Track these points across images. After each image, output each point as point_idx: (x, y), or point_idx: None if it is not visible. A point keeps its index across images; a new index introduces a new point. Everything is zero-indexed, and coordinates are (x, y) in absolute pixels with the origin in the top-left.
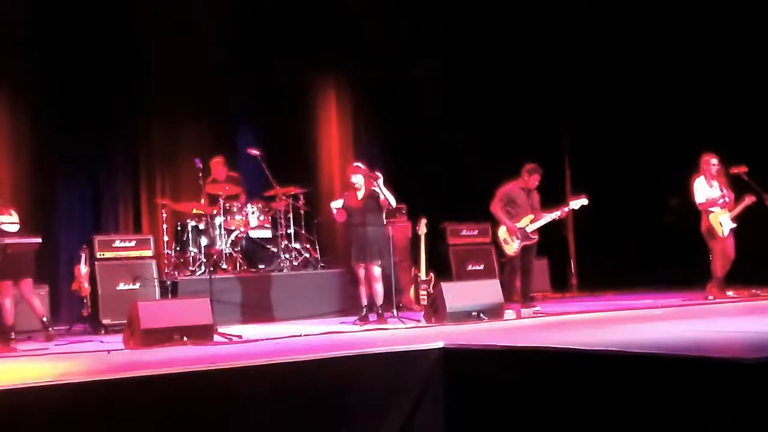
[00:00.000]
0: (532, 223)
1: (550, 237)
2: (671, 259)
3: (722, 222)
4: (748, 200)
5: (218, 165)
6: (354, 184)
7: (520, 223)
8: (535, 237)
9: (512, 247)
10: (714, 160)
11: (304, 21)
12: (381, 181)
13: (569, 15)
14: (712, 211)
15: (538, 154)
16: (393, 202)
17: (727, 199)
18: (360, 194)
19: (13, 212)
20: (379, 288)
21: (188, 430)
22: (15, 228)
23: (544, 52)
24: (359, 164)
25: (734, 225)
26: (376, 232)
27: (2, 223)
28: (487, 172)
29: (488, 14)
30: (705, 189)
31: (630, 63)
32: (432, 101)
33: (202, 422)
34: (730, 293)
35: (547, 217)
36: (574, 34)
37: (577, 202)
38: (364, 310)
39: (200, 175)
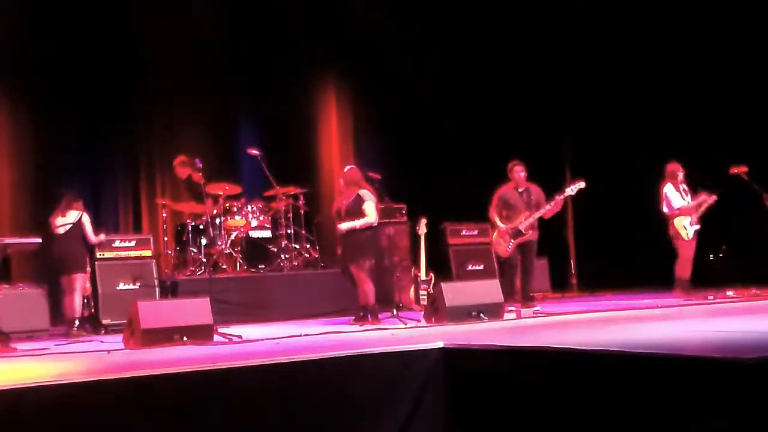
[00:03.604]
0: (525, 219)
1: (550, 237)
2: (671, 260)
3: (686, 226)
4: (709, 199)
5: (179, 166)
6: (340, 186)
7: (514, 223)
8: (529, 233)
9: (504, 247)
10: (681, 172)
11: (304, 21)
12: (369, 205)
13: (570, 16)
14: (677, 216)
15: (538, 154)
16: (371, 219)
17: (700, 207)
18: (344, 198)
19: (70, 212)
20: (368, 289)
21: (188, 430)
22: (65, 228)
23: (545, 53)
24: (352, 167)
25: (698, 227)
26: (365, 233)
27: (58, 226)
28: (488, 172)
29: (489, 14)
30: (677, 196)
31: (630, 63)
32: (432, 101)
33: (202, 422)
34: (730, 293)
35: (541, 210)
36: (574, 35)
37: (574, 188)
38: (362, 310)
39: (200, 175)
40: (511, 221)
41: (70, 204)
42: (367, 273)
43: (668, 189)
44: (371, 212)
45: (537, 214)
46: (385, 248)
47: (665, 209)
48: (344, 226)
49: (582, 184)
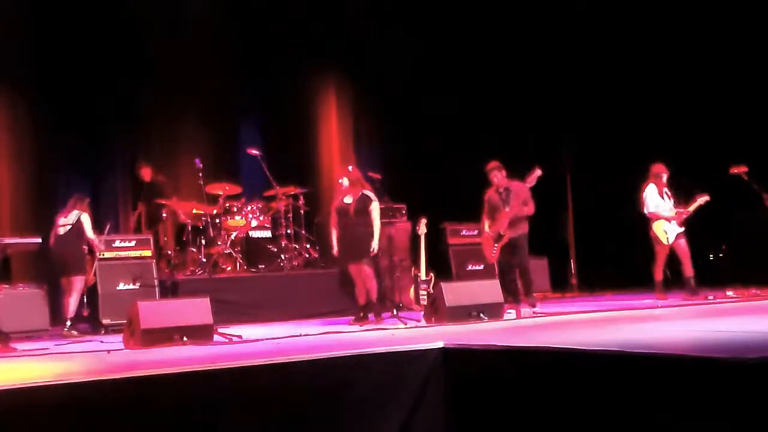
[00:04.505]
0: (504, 219)
1: (550, 237)
2: (671, 260)
3: (666, 229)
4: (701, 199)
5: (143, 169)
6: (341, 185)
7: (496, 227)
8: (508, 233)
9: (489, 253)
10: (665, 174)
11: (305, 21)
12: (376, 206)
13: (570, 16)
14: (657, 220)
15: (539, 154)
16: (379, 222)
17: (673, 212)
18: (348, 198)
19: (72, 212)
20: (372, 287)
21: (188, 430)
22: (65, 229)
23: (545, 53)
24: (351, 167)
25: (682, 229)
26: (366, 232)
27: (59, 226)
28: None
29: (490, 14)
30: (656, 198)
31: (631, 62)
32: (432, 101)
33: (202, 422)
34: (730, 293)
35: (515, 208)
36: (574, 35)
37: (533, 178)
38: (361, 310)
39: (200, 175)
40: (494, 225)
41: (74, 204)
42: (372, 272)
43: (648, 191)
44: (377, 215)
45: (512, 214)
46: (385, 248)
47: (645, 210)
48: (375, 246)
49: (538, 173)
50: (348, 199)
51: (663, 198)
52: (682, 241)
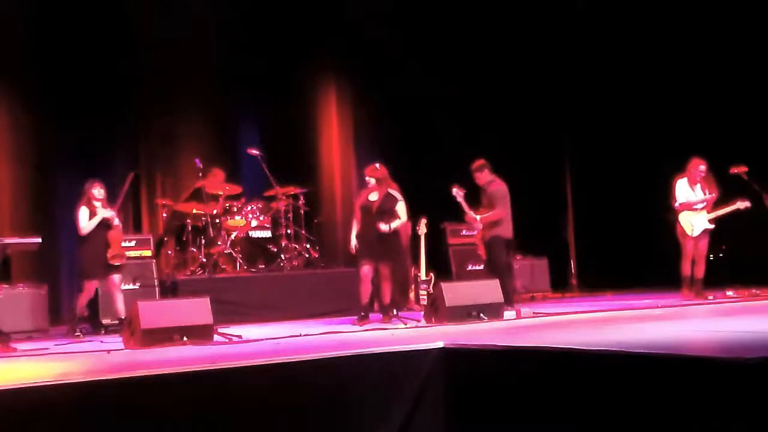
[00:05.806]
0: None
1: (550, 237)
2: (671, 259)
3: (693, 222)
4: (741, 204)
5: (215, 176)
6: (368, 183)
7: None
8: (477, 236)
9: (480, 252)
10: (702, 167)
11: (305, 20)
12: (402, 206)
13: (570, 15)
14: (684, 211)
15: (539, 154)
16: (404, 220)
17: (704, 203)
18: (374, 195)
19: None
20: (387, 288)
21: (188, 430)
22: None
23: (545, 52)
24: (378, 165)
25: (711, 226)
26: (396, 234)
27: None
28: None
29: (489, 13)
30: (685, 191)
31: (631, 62)
32: (432, 101)
33: (202, 422)
34: (730, 293)
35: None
36: (574, 34)
37: (459, 194)
38: (363, 310)
39: (200, 175)
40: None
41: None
42: (391, 273)
43: (679, 183)
44: (404, 214)
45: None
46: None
47: (675, 203)
48: (385, 227)
49: (460, 193)
50: (373, 197)
51: (694, 191)
52: (704, 242)
